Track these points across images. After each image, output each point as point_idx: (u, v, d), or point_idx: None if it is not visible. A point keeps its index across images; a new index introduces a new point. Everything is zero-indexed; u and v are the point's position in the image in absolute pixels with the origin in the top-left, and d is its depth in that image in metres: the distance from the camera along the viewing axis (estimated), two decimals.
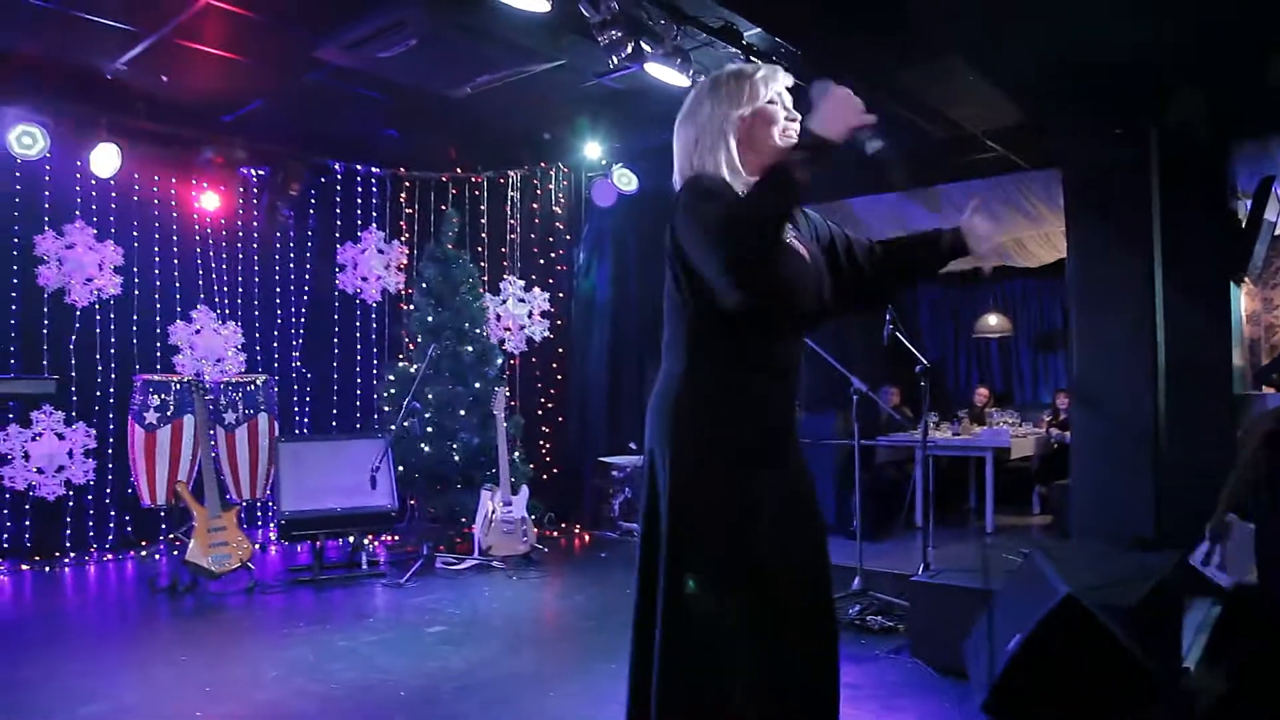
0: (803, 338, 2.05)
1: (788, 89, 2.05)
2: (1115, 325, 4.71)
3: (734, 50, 5.00)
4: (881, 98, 5.10)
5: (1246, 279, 5.92)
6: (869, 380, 5.18)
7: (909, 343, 5.15)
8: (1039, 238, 7.82)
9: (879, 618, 4.36)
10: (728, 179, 1.95)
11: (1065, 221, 5.10)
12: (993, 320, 10.08)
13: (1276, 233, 6.06)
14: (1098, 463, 4.74)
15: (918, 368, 5.01)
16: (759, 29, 4.78)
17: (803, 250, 2.01)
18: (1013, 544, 4.57)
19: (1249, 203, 5.42)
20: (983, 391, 9.20)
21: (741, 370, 1.95)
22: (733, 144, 1.97)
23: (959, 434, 8.06)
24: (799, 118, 2.01)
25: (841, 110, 1.81)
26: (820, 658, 1.98)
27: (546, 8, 4.35)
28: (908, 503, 7.14)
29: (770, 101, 2.00)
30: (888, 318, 5.16)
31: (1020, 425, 8.37)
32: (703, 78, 2.07)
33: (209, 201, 6.97)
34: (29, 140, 5.78)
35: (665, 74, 4.85)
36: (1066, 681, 2.73)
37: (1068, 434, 6.96)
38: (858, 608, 4.54)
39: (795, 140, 1.95)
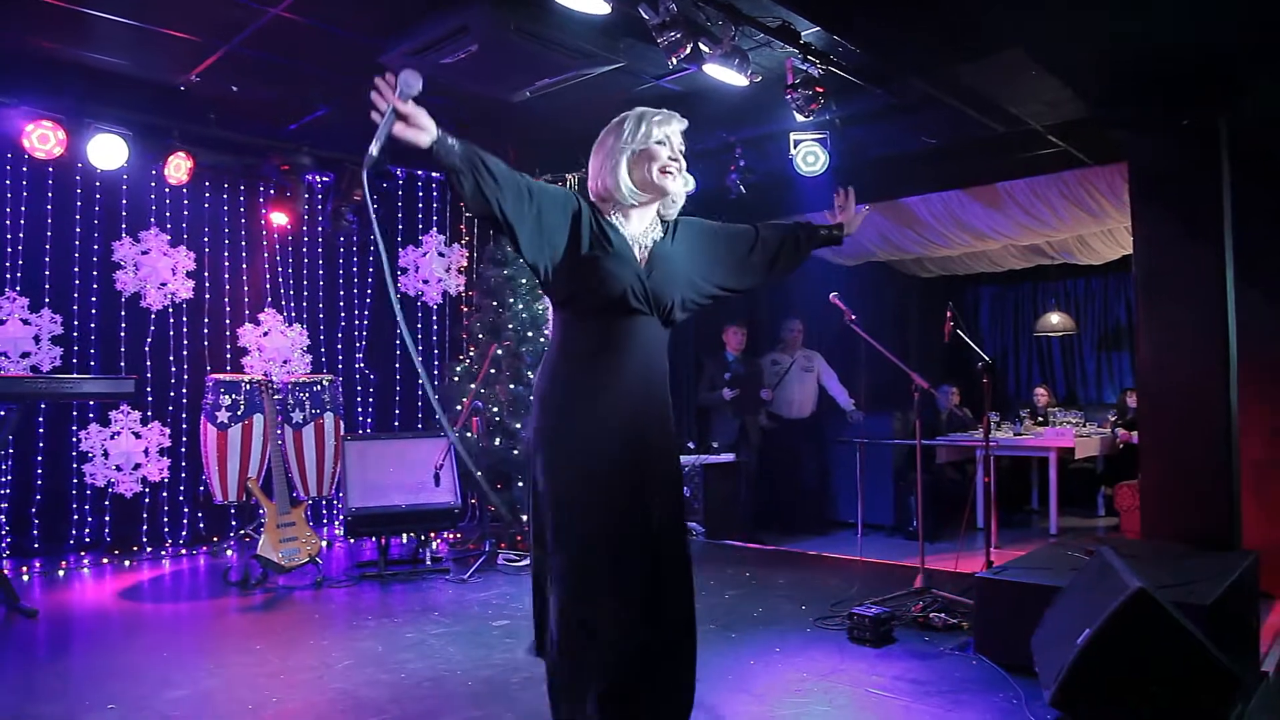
0: (641, 325, 2.39)
1: (681, 132, 2.47)
2: (1184, 321, 4.59)
3: (792, 50, 5.00)
4: (942, 93, 5.07)
5: None
6: (926, 379, 5.15)
7: (970, 339, 5.11)
8: (1102, 234, 7.68)
9: (943, 615, 4.32)
10: (622, 195, 2.40)
11: (1131, 216, 5.01)
12: (1055, 319, 9.86)
13: None
14: (1168, 462, 4.63)
15: (979, 364, 4.97)
16: (817, 27, 4.78)
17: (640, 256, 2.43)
18: (1078, 546, 4.50)
19: None
20: (1041, 392, 9.03)
21: (580, 349, 2.38)
22: (624, 170, 2.40)
23: (1021, 434, 7.94)
24: (682, 159, 2.45)
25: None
26: (655, 634, 2.33)
27: (606, 9, 4.40)
28: (969, 503, 7.06)
29: (659, 142, 2.41)
30: (948, 314, 5.12)
31: (1084, 425, 8.21)
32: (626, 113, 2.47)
33: (275, 208, 7.18)
34: (111, 151, 6.01)
35: (724, 74, 4.87)
36: (1138, 677, 2.69)
37: (1134, 434, 6.82)
38: (920, 605, 4.51)
39: (671, 175, 2.43)
